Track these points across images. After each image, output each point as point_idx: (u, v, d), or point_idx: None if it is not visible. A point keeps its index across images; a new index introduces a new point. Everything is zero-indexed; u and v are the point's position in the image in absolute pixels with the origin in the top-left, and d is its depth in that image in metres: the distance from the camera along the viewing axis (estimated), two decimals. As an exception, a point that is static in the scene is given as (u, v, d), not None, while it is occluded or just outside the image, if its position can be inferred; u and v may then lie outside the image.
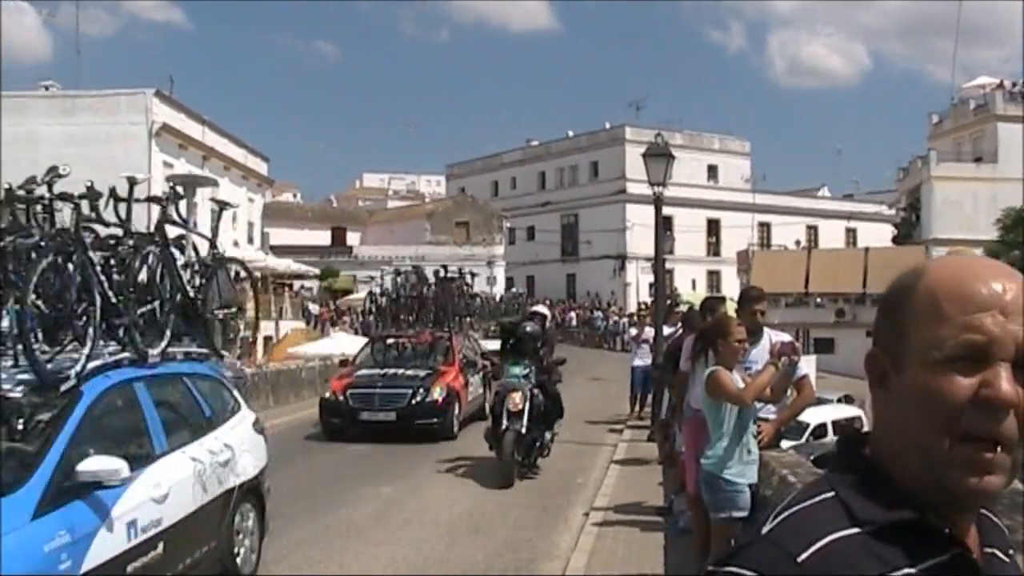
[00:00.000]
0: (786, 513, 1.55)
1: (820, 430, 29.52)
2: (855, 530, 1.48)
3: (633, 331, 26.48)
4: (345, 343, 37.92)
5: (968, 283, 1.50)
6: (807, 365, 9.89)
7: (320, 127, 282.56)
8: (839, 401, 33.48)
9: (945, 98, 71.51)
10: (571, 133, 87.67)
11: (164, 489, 7.65)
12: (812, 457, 12.30)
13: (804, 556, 1.46)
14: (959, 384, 1.46)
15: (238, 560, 9.30)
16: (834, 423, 30.71)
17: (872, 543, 1.47)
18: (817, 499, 1.55)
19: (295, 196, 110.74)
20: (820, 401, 30.14)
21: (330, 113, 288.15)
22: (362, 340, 42.30)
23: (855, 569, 1.45)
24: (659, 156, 20.56)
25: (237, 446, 9.60)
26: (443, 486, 15.40)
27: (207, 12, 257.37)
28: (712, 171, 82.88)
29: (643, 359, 22.18)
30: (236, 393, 10.80)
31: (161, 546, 7.42)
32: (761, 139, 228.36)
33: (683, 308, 23.03)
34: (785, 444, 10.48)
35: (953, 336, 1.48)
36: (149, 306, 9.20)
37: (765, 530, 1.54)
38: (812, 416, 28.45)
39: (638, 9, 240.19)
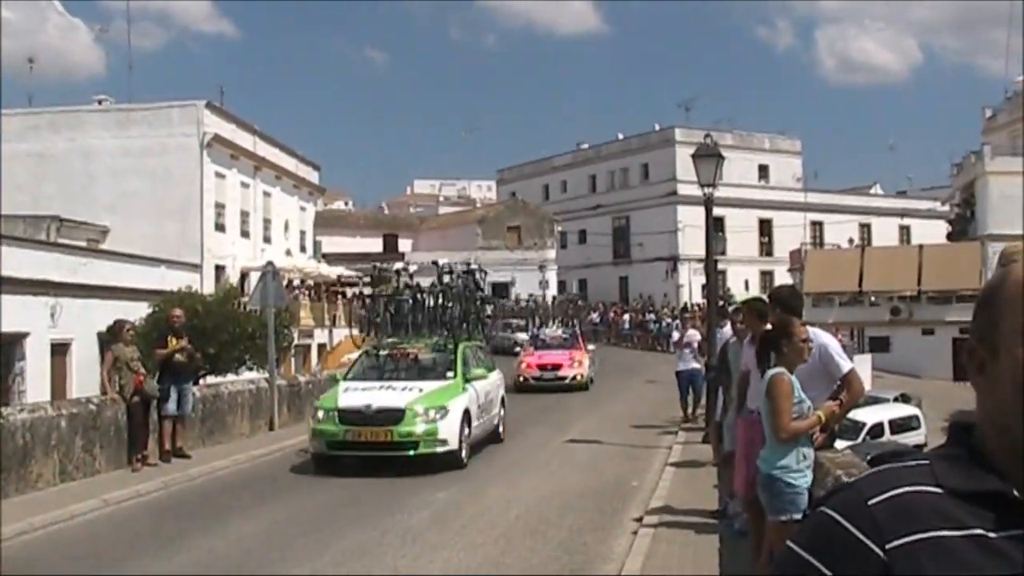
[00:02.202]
0: (877, 468, 1.68)
1: (876, 429, 29.33)
2: (935, 489, 1.58)
3: (675, 335, 25.97)
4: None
5: None
6: (863, 364, 9.81)
7: (371, 134, 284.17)
8: (895, 400, 33.22)
9: (999, 91, 70.62)
10: (621, 135, 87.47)
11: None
12: (869, 457, 12.22)
13: (875, 500, 1.58)
14: None
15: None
16: (890, 422, 30.52)
17: (949, 503, 1.56)
18: (910, 463, 1.66)
19: (347, 204, 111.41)
20: (876, 400, 30.04)
21: (380, 120, 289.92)
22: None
23: (923, 522, 1.54)
24: (708, 157, 20.48)
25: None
26: (499, 489, 15.43)
27: (256, 23, 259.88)
28: (763, 171, 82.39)
29: (686, 363, 22.31)
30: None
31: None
32: (812, 137, 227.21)
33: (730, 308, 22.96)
34: (840, 444, 10.42)
35: None
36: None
37: (855, 480, 1.68)
38: (868, 415, 28.32)
39: (684, 9, 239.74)
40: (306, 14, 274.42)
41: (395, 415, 16.91)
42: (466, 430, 17.57)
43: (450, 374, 18.67)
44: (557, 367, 33.20)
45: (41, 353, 29.12)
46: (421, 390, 17.64)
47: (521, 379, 32.86)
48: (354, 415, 17.03)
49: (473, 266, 25.05)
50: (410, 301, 22.46)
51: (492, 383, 20.53)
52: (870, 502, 1.58)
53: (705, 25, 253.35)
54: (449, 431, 16.98)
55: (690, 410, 22.49)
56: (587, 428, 22.97)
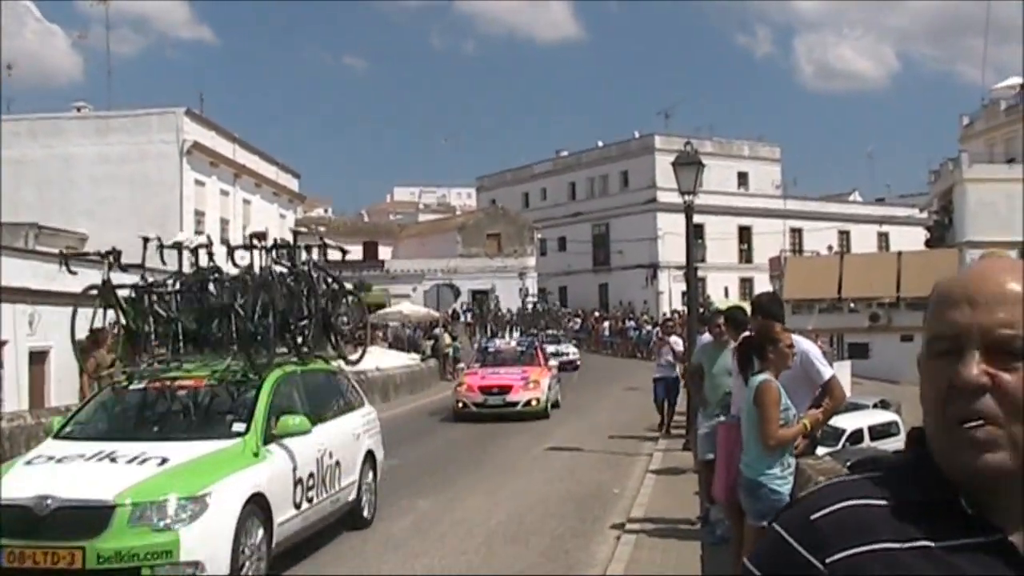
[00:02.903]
0: (827, 482, 1.72)
1: (856, 436, 29.41)
2: (878, 501, 1.59)
3: (658, 341, 26.08)
4: (381, 357, 38.03)
5: (953, 282, 1.65)
6: (842, 371, 9.86)
7: (350, 141, 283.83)
8: (875, 406, 33.34)
9: (976, 99, 71.05)
10: (600, 143, 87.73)
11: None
12: (848, 463, 12.28)
13: (818, 515, 1.60)
14: (939, 372, 1.59)
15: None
16: (870, 428, 30.61)
17: (891, 515, 1.57)
18: (859, 476, 1.68)
19: (326, 211, 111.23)
20: (856, 406, 30.08)
21: (360, 127, 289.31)
22: (397, 354, 42.63)
23: (865, 535, 1.56)
24: (689, 164, 20.52)
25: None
26: (480, 497, 15.42)
27: (235, 29, 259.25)
28: (742, 178, 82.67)
29: (662, 371, 22.40)
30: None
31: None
32: (791, 144, 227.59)
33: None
34: (821, 451, 10.44)
35: (932, 331, 1.63)
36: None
37: (802, 495, 1.76)
38: (848, 422, 28.37)
39: (664, 16, 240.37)
40: (285, 21, 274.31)
41: (94, 517, 8.63)
42: (254, 535, 9.56)
43: (239, 427, 10.46)
44: (505, 389, 26.61)
45: (19, 361, 28.95)
46: (165, 461, 9.42)
47: (460, 404, 26.89)
48: (16, 519, 8.61)
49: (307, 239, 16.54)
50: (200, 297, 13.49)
51: (342, 435, 12.39)
52: (813, 516, 1.60)
53: (684, 32, 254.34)
54: (203, 545, 8.80)
55: (666, 420, 22.29)
56: (568, 435, 22.97)
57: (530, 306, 66.55)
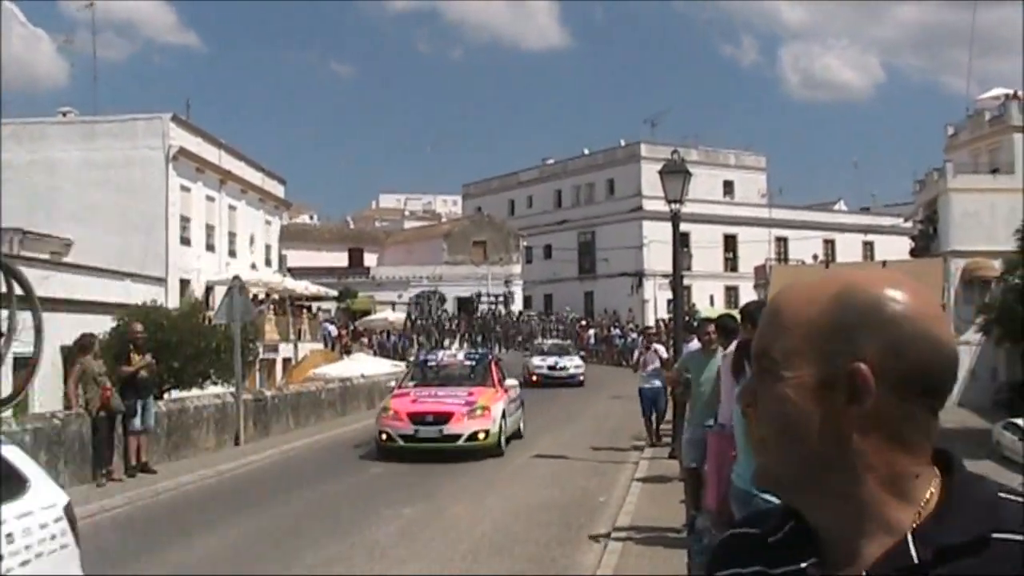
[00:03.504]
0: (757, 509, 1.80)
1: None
2: (754, 530, 1.63)
3: (636, 354, 24.47)
4: (366, 364, 38.03)
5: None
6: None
7: (336, 148, 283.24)
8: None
9: (961, 109, 71.26)
10: (587, 151, 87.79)
11: None
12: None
13: (721, 539, 1.70)
14: None
15: None
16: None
17: (764, 541, 1.59)
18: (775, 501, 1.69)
19: (312, 218, 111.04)
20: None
21: (346, 134, 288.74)
22: (382, 361, 42.59)
23: (728, 562, 1.64)
24: (676, 173, 20.56)
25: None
26: (466, 505, 15.42)
27: (222, 35, 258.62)
28: (728, 187, 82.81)
29: (649, 381, 21.53)
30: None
31: None
32: (777, 153, 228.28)
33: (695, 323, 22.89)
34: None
35: None
36: None
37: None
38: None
39: (650, 26, 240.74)
40: (272, 26, 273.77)
41: None
42: None
43: None
44: (443, 418, 20.57)
45: (2, 368, 28.81)
46: None
47: (383, 436, 20.76)
48: None
49: None
50: None
51: None
52: (718, 540, 1.70)
53: (671, 41, 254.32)
54: None
55: (655, 431, 21.86)
56: (553, 443, 22.96)
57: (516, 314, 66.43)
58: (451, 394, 21.78)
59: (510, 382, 23.84)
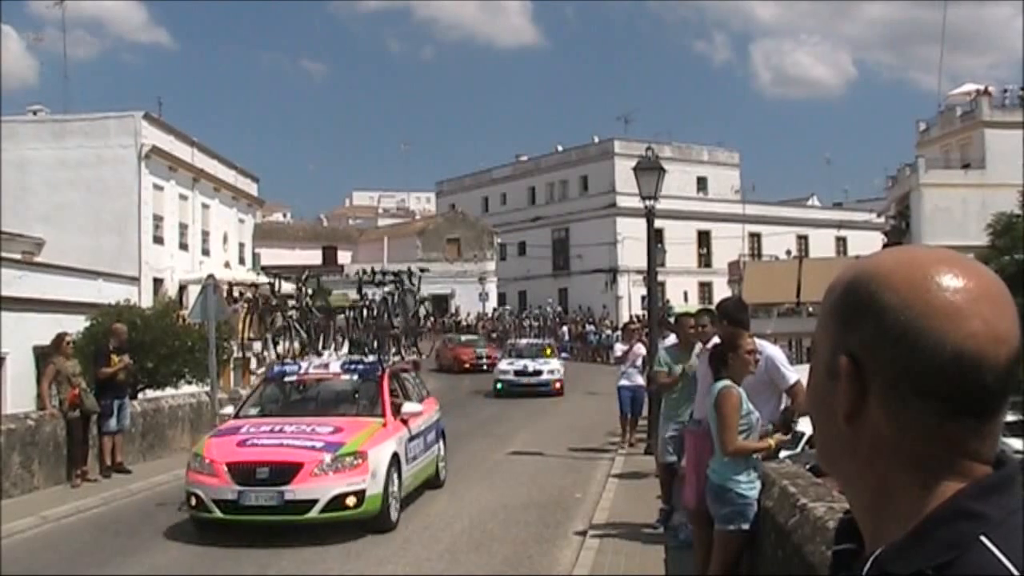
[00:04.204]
0: None
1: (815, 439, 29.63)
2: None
3: (618, 349, 22.60)
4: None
5: None
6: (801, 375, 9.92)
7: (309, 146, 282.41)
8: (834, 410, 33.63)
9: (932, 105, 71.75)
10: (560, 148, 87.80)
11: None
12: (809, 466, 12.30)
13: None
14: None
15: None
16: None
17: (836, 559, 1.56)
18: None
19: (285, 216, 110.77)
20: (815, 410, 30.37)
21: (318, 132, 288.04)
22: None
23: (839, 539, 1.54)
24: (650, 170, 20.61)
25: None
26: (442, 503, 15.41)
27: (192, 33, 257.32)
28: (702, 183, 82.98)
29: (631, 379, 20.67)
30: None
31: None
32: (750, 150, 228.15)
33: (671, 319, 22.74)
34: (782, 454, 10.52)
35: None
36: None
37: None
38: (808, 426, 28.55)
39: (622, 23, 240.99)
40: (242, 24, 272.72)
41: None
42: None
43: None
44: (286, 472, 12.92)
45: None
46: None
47: (193, 501, 13.12)
48: None
49: None
50: None
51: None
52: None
53: (643, 38, 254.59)
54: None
55: (630, 431, 21.12)
56: (529, 440, 22.97)
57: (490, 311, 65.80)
58: (305, 430, 13.77)
59: (412, 408, 15.23)
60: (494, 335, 63.88)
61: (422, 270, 24.01)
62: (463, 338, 54.23)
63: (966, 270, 1.39)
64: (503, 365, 37.99)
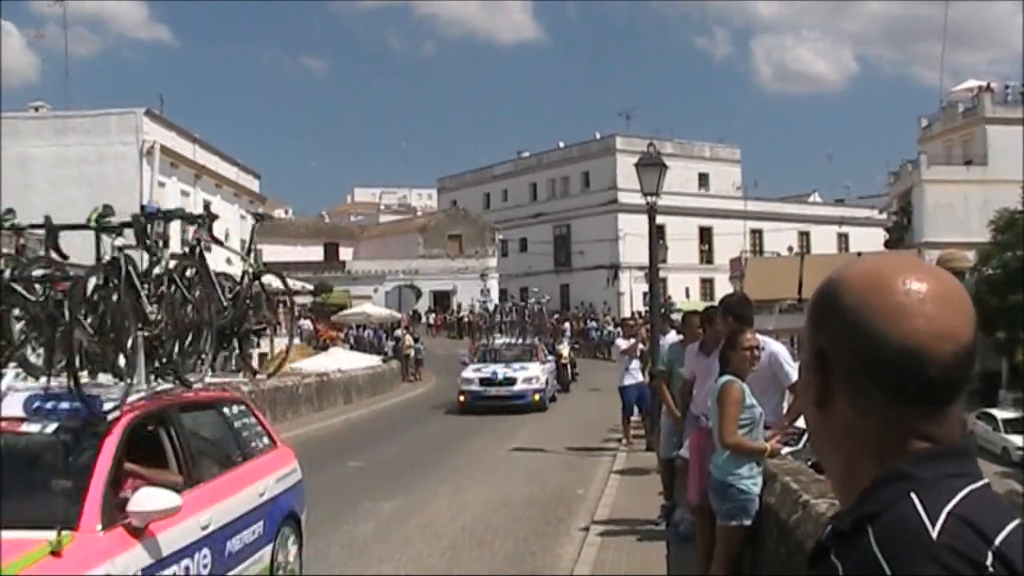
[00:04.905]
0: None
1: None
2: None
3: (622, 344, 21.56)
4: (343, 359, 37.93)
5: None
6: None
7: (310, 143, 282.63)
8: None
9: (934, 101, 71.70)
10: (562, 144, 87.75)
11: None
12: (810, 462, 12.30)
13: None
14: None
15: None
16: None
17: None
18: None
19: (287, 212, 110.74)
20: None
21: (320, 129, 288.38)
22: (359, 356, 42.49)
23: None
24: (652, 166, 20.58)
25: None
26: (444, 500, 15.40)
27: (193, 29, 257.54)
28: (703, 179, 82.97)
29: (633, 377, 20.23)
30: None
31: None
32: (751, 146, 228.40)
33: (676, 316, 22.69)
34: (784, 450, 10.52)
35: None
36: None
37: None
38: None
39: (623, 19, 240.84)
40: (243, 21, 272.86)
41: None
42: None
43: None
44: None
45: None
46: None
47: None
48: None
49: None
50: None
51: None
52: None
53: (644, 34, 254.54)
54: None
55: (629, 429, 20.78)
56: (531, 437, 22.99)
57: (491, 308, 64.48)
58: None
59: (159, 500, 6.50)
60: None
61: (258, 216, 13.60)
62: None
63: (921, 276, 1.57)
64: (468, 372, 30.83)
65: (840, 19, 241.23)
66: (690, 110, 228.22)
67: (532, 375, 29.99)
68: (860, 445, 1.56)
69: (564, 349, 38.18)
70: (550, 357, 34.50)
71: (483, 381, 29.69)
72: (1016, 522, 1.46)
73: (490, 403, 28.59)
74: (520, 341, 35.73)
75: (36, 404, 7.06)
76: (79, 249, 8.51)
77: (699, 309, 15.42)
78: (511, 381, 29.52)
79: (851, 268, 1.62)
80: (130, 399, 7.14)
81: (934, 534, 1.41)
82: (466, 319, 67.37)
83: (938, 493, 1.47)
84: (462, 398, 29.48)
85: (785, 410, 9.13)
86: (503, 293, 77.79)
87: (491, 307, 48.19)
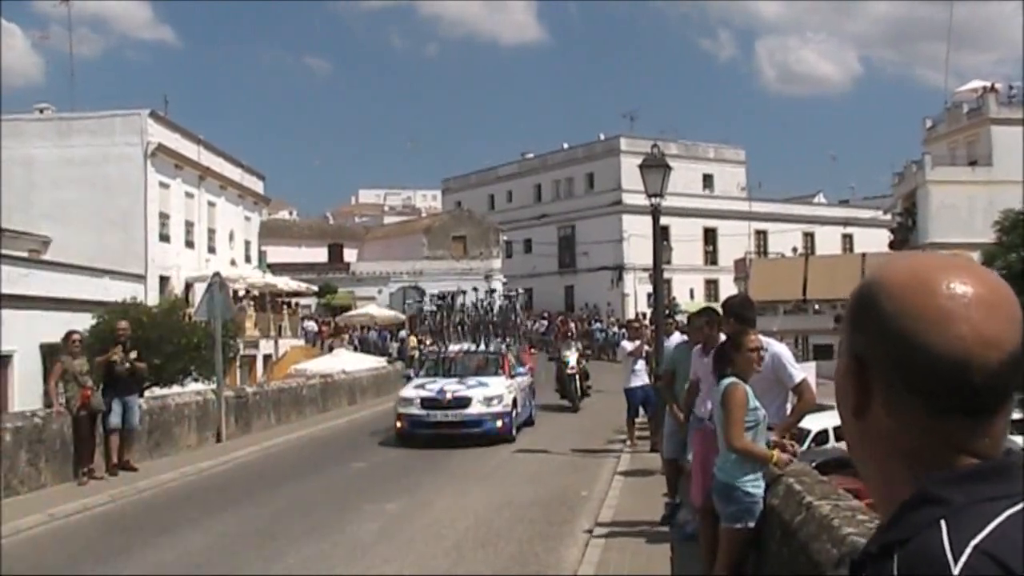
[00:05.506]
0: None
1: (821, 436, 29.62)
2: None
3: (628, 345, 21.20)
4: (347, 360, 37.96)
5: None
6: (807, 372, 9.92)
7: (314, 144, 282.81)
8: (840, 407, 33.57)
9: (938, 102, 71.69)
10: (566, 145, 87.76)
11: None
12: (815, 464, 12.30)
13: None
14: None
15: None
16: (835, 429, 30.83)
17: None
18: None
19: (291, 214, 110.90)
20: (821, 407, 30.22)
21: (324, 130, 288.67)
22: (363, 357, 42.51)
23: None
24: (656, 167, 20.57)
25: None
26: (448, 501, 15.40)
27: (196, 30, 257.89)
28: (708, 180, 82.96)
29: (640, 379, 20.27)
30: None
31: None
32: (756, 147, 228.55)
33: (681, 317, 22.65)
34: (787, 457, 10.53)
35: None
36: None
37: None
38: (813, 422, 28.49)
39: (627, 20, 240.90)
40: (246, 22, 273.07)
41: None
42: None
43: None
44: None
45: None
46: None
47: None
48: None
49: None
50: None
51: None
52: None
53: (648, 35, 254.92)
54: None
55: (634, 431, 20.55)
56: (535, 438, 22.97)
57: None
58: None
59: None
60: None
61: None
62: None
63: (966, 277, 1.47)
64: (408, 389, 23.88)
65: (844, 20, 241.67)
66: (694, 111, 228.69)
67: (494, 394, 22.63)
68: (898, 455, 1.49)
69: (571, 356, 30.74)
70: (521, 370, 25.88)
71: (426, 403, 22.47)
72: None
73: (435, 432, 21.93)
74: (481, 348, 27.11)
75: None
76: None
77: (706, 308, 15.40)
78: (463, 402, 22.34)
79: (891, 268, 1.54)
80: None
81: (955, 572, 1.32)
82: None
83: (968, 522, 1.36)
84: (399, 424, 22.75)
85: (789, 411, 9.14)
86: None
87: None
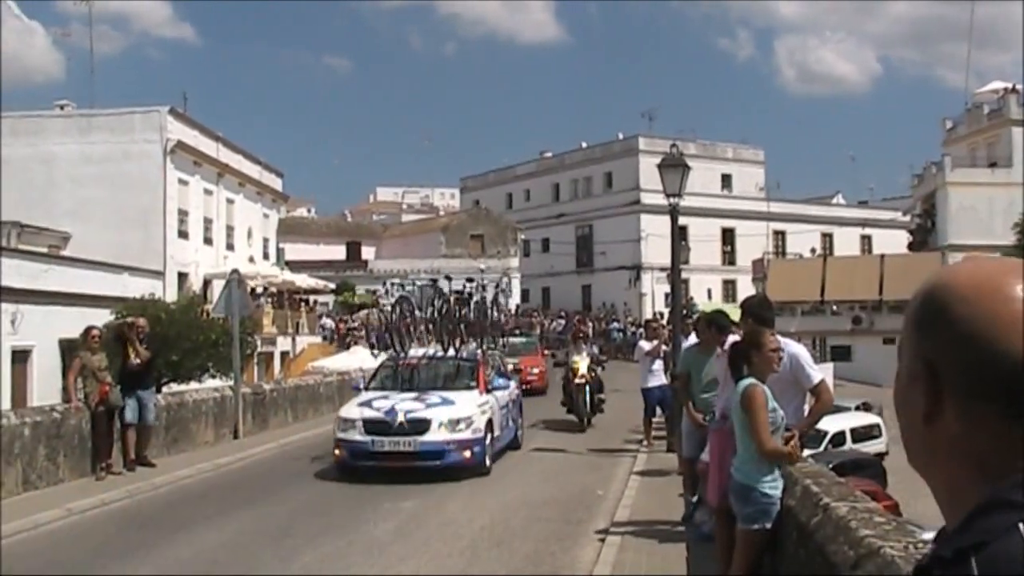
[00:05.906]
0: None
1: (839, 438, 29.61)
2: None
3: (645, 345, 20.86)
4: (364, 357, 37.95)
5: None
6: (825, 373, 9.91)
7: (333, 142, 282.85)
8: (857, 409, 33.53)
9: (958, 103, 71.45)
10: (584, 144, 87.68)
11: None
12: (831, 465, 12.28)
13: None
14: None
15: None
16: (852, 430, 30.79)
17: None
18: None
19: (310, 211, 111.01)
20: (838, 409, 30.22)
21: (343, 127, 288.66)
22: (380, 355, 42.44)
23: None
24: (675, 167, 20.55)
25: None
26: (464, 500, 15.39)
27: (216, 28, 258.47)
28: (726, 180, 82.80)
29: (657, 379, 20.29)
30: None
31: None
32: (775, 147, 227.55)
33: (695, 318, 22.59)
34: (804, 453, 10.51)
35: None
36: None
37: None
38: (830, 424, 28.49)
39: (646, 19, 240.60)
40: (266, 20, 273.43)
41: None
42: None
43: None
44: None
45: (1, 361, 28.84)
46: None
47: None
48: None
49: None
50: None
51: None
52: None
53: (667, 35, 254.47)
54: None
55: (651, 431, 20.59)
56: (550, 437, 22.97)
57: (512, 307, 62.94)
58: None
59: None
60: (518, 332, 62.99)
61: None
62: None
63: None
64: (349, 408, 18.52)
65: (863, 20, 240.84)
66: (713, 111, 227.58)
67: (461, 415, 17.52)
68: (966, 461, 1.46)
69: (581, 364, 25.29)
70: (501, 382, 20.30)
71: (371, 426, 17.32)
72: None
73: (381, 464, 17.02)
74: (450, 354, 20.84)
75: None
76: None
77: (717, 311, 15.36)
78: (420, 427, 17.23)
79: (958, 272, 1.52)
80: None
81: None
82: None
83: None
84: (336, 452, 17.81)
85: (806, 412, 9.12)
86: (525, 294, 77.79)
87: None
